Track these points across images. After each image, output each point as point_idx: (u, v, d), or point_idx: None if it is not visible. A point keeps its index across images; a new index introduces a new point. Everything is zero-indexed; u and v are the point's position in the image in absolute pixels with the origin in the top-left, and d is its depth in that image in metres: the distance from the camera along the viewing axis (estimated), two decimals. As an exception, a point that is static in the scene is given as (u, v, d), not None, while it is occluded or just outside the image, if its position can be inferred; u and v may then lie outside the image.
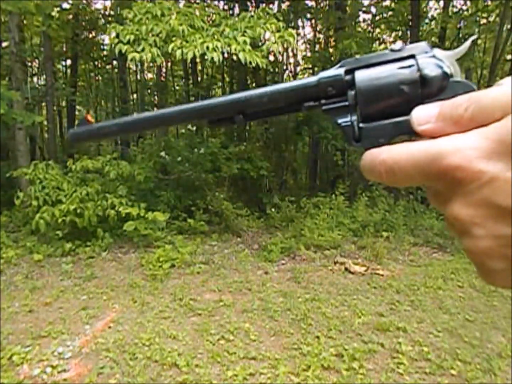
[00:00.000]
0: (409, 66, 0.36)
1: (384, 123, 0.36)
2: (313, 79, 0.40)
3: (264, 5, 6.74)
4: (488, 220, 0.29)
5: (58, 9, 8.36)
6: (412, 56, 0.36)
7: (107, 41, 9.52)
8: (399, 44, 0.37)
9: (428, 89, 0.35)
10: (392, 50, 0.37)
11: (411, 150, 0.31)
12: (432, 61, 0.36)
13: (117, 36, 4.94)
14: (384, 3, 9.72)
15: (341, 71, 0.38)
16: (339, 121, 0.39)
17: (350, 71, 0.38)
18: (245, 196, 8.14)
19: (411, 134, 0.33)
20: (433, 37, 9.77)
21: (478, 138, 0.29)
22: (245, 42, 4.82)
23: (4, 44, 7.74)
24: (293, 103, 0.41)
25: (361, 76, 0.37)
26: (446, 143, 0.30)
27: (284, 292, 4.46)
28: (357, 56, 0.39)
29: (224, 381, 2.93)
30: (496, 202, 0.28)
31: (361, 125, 0.37)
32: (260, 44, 5.41)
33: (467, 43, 0.38)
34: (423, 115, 0.33)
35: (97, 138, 0.49)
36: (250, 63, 4.81)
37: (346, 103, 0.38)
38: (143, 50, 4.79)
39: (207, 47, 4.68)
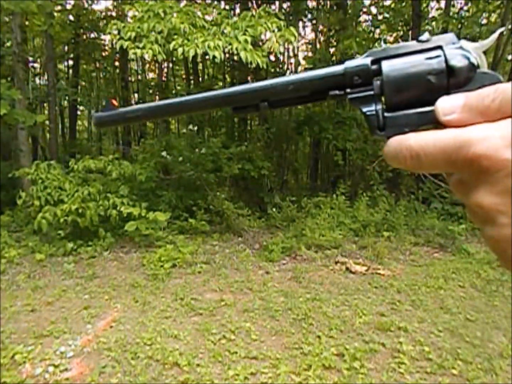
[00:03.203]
0: (436, 57, 0.36)
1: (409, 113, 0.36)
2: (339, 68, 0.40)
3: (265, 4, 6.74)
4: None
5: (60, 8, 8.38)
6: (439, 47, 0.36)
7: (108, 39, 9.54)
8: (426, 35, 0.38)
9: (455, 79, 0.35)
10: (419, 41, 0.37)
11: (438, 137, 0.32)
12: (459, 52, 0.36)
13: (119, 33, 4.96)
14: (385, 3, 9.72)
15: (368, 60, 0.39)
16: (364, 109, 0.39)
17: (377, 61, 0.38)
18: (246, 196, 8.14)
19: (436, 124, 0.34)
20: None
21: (506, 128, 0.29)
22: (246, 41, 4.83)
23: (7, 44, 7.77)
24: (318, 92, 0.41)
25: (388, 66, 0.37)
26: (474, 131, 0.30)
27: (285, 291, 4.46)
28: (384, 46, 0.39)
29: (226, 380, 2.94)
30: None
31: (386, 114, 0.37)
32: (261, 43, 5.41)
33: (495, 36, 0.38)
34: (448, 105, 0.33)
35: (121, 122, 0.49)
36: (251, 62, 4.82)
37: (372, 93, 0.38)
38: (144, 47, 4.80)
39: (209, 46, 4.69)
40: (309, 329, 3.64)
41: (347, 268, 5.13)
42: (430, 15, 10.21)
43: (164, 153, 6.96)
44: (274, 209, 7.08)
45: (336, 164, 8.48)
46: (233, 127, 10.13)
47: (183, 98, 0.45)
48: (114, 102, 0.47)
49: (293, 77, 0.41)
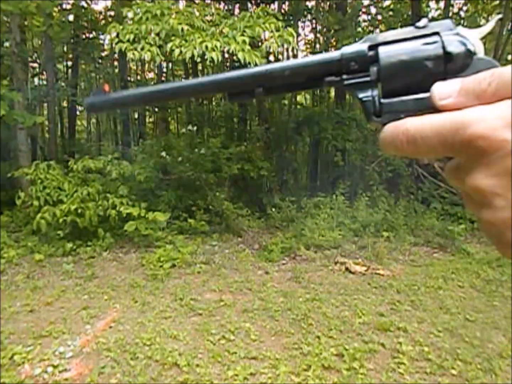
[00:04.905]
0: (434, 43, 0.36)
1: (406, 99, 0.36)
2: (336, 53, 0.39)
3: (264, 5, 6.74)
4: (510, 190, 0.28)
5: (58, 8, 8.37)
6: (437, 33, 0.36)
7: (107, 41, 9.54)
8: (423, 21, 0.37)
9: (452, 65, 0.35)
10: (416, 27, 0.37)
11: (435, 120, 0.32)
12: (456, 38, 0.36)
13: (117, 35, 4.96)
14: (385, 3, 9.73)
15: (365, 46, 0.38)
16: (360, 95, 0.38)
17: (374, 47, 0.38)
18: (245, 196, 8.14)
19: (432, 110, 0.33)
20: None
21: (502, 108, 0.29)
22: (244, 41, 4.82)
23: (6, 44, 7.76)
24: (314, 78, 0.41)
25: (384, 51, 0.37)
26: (470, 113, 0.30)
27: (285, 292, 4.46)
28: (381, 33, 0.39)
29: (225, 380, 2.93)
30: None
31: (382, 100, 0.37)
32: (259, 44, 5.41)
33: (492, 22, 0.38)
34: (444, 89, 0.33)
35: (113, 107, 0.48)
36: (249, 63, 4.81)
37: (368, 79, 0.38)
38: (142, 49, 4.80)
39: (206, 47, 4.69)
40: (309, 329, 3.64)
41: (346, 268, 5.13)
42: (430, 16, 10.21)
43: (163, 153, 6.95)
44: (273, 209, 7.07)
45: (335, 164, 8.47)
46: (233, 127, 10.12)
47: (177, 83, 0.45)
48: (106, 87, 0.46)
49: (289, 62, 0.41)
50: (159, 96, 0.46)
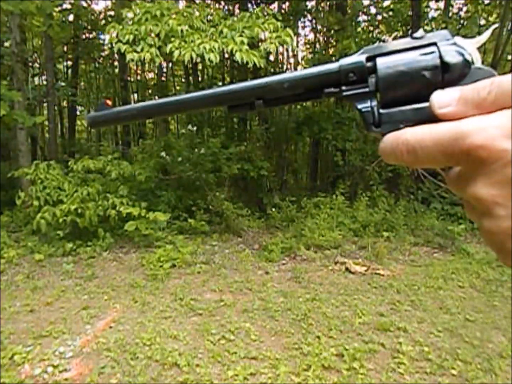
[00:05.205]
0: (431, 53, 0.36)
1: (405, 109, 0.36)
2: (334, 65, 0.40)
3: (263, 5, 6.74)
4: (511, 200, 0.28)
5: (58, 8, 8.37)
6: (434, 44, 0.36)
7: (107, 41, 9.55)
8: (420, 31, 0.38)
9: (449, 75, 0.35)
10: (413, 38, 0.37)
11: (435, 130, 0.32)
12: (454, 48, 0.36)
13: (117, 35, 4.96)
14: (385, 3, 9.73)
15: (363, 57, 0.39)
16: (359, 106, 0.39)
17: (372, 58, 0.38)
18: (245, 196, 8.15)
19: (431, 120, 0.34)
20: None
21: (502, 118, 0.29)
22: (242, 42, 4.82)
23: (6, 44, 7.76)
24: (313, 89, 0.41)
25: (382, 62, 0.37)
26: (470, 123, 0.30)
27: (285, 292, 4.46)
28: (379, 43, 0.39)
29: (225, 380, 2.93)
30: None
31: (381, 110, 0.37)
32: (258, 44, 5.41)
33: (488, 32, 0.38)
34: (444, 98, 0.33)
35: (116, 121, 0.49)
36: (247, 62, 4.81)
37: (367, 89, 0.39)
38: (142, 50, 4.80)
39: (205, 48, 4.69)
40: (309, 329, 3.64)
41: (346, 268, 5.13)
42: (430, 16, 10.21)
43: (163, 153, 6.96)
44: (273, 209, 7.07)
45: (335, 164, 8.47)
46: (233, 127, 10.12)
47: (178, 97, 0.45)
48: (108, 102, 0.47)
49: (288, 75, 0.41)
50: (161, 109, 0.47)
